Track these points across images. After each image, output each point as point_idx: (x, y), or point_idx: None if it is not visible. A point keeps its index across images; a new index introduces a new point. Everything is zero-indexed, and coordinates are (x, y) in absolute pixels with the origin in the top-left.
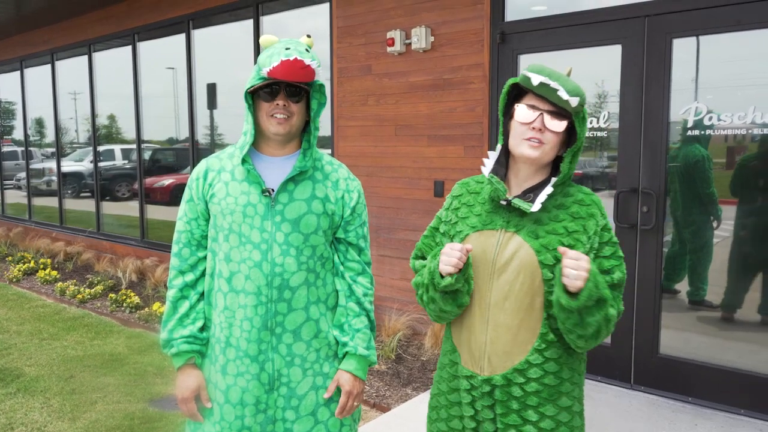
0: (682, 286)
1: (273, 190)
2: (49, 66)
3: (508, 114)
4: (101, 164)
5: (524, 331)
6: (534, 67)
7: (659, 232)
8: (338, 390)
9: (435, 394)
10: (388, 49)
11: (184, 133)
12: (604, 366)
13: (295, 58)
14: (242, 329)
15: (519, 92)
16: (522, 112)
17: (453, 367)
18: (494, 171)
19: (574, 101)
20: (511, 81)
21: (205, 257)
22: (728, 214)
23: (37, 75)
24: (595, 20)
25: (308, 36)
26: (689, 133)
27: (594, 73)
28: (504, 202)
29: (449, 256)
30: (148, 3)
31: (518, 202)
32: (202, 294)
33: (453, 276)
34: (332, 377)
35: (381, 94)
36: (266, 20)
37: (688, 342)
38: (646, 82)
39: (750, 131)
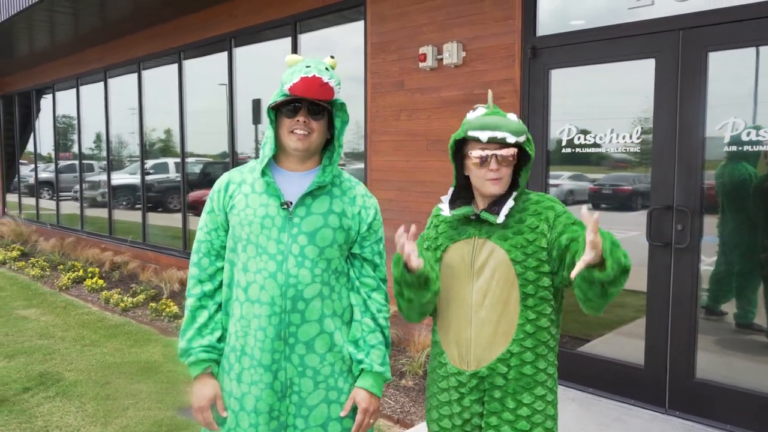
0: (729, 308)
1: (291, 203)
2: (102, 83)
3: (459, 155)
4: (155, 177)
5: (504, 323)
6: (475, 123)
7: (695, 251)
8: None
9: (428, 397)
10: (420, 64)
11: (237, 148)
12: (637, 388)
13: (314, 75)
14: (256, 338)
15: (464, 139)
16: (477, 157)
17: (442, 368)
18: (453, 202)
19: (521, 139)
20: (455, 138)
21: (221, 268)
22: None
23: (92, 91)
24: (628, 34)
25: (332, 57)
26: (726, 149)
27: (626, 87)
28: (473, 217)
29: (399, 246)
30: (192, 22)
31: (485, 216)
32: (220, 304)
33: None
34: (346, 393)
35: (413, 109)
36: (303, 38)
37: (730, 366)
38: (681, 97)
39: None
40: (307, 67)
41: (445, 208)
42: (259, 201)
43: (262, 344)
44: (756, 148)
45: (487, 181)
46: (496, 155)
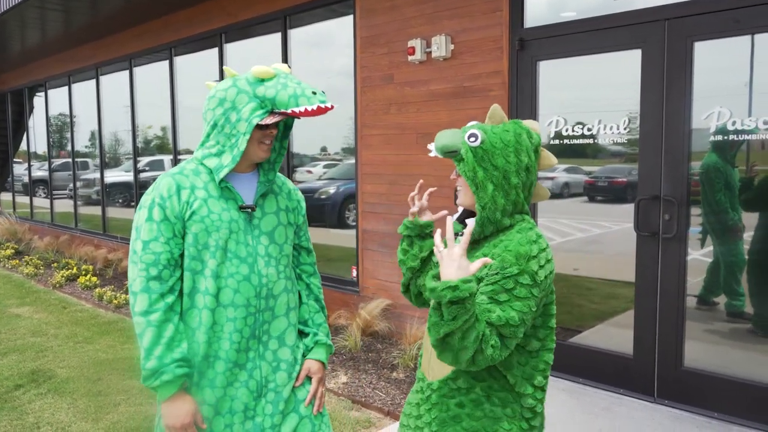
0: (721, 298)
1: (254, 207)
2: (94, 81)
3: None
4: (149, 174)
5: None
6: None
7: (682, 240)
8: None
9: (410, 392)
10: (409, 57)
11: None
12: (626, 378)
13: (331, 106)
14: (231, 341)
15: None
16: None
17: (418, 368)
18: (461, 218)
19: (435, 153)
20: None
21: (179, 278)
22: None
23: (85, 89)
24: (614, 25)
25: (289, 67)
26: (711, 138)
27: (614, 79)
28: (460, 234)
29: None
30: (183, 17)
31: (438, 231)
32: (180, 318)
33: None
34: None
35: (403, 103)
36: (293, 33)
37: (720, 355)
38: (667, 87)
39: None
40: (314, 93)
41: (454, 216)
42: (219, 205)
43: (238, 345)
44: (741, 137)
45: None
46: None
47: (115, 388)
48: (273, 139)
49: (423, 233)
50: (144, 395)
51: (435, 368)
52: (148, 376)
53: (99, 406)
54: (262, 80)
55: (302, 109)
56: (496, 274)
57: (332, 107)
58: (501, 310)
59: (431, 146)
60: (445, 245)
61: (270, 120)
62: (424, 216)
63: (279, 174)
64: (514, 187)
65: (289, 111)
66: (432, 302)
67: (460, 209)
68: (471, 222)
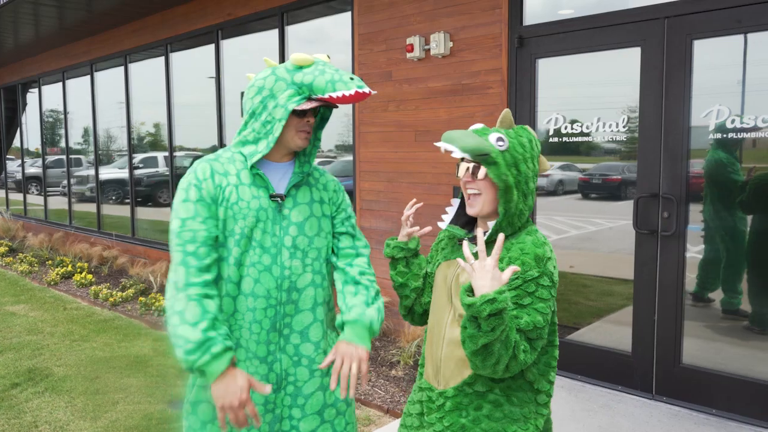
0: (716, 295)
1: (284, 196)
2: (88, 77)
3: None
4: (144, 171)
5: None
6: (444, 136)
7: (681, 238)
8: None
9: (408, 402)
10: (408, 55)
11: (226, 141)
12: (625, 375)
13: (369, 92)
14: (252, 331)
15: None
16: (458, 168)
17: (420, 379)
18: (456, 221)
19: (465, 155)
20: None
21: (216, 260)
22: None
23: (79, 85)
24: (614, 23)
25: (328, 57)
26: (711, 136)
27: (613, 76)
28: (459, 242)
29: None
30: (179, 13)
31: (468, 244)
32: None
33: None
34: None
35: (401, 100)
36: (291, 29)
37: (717, 352)
38: (666, 85)
39: None
40: (351, 79)
41: (446, 219)
42: (249, 193)
43: (258, 336)
44: (740, 135)
45: (467, 199)
46: (468, 166)
47: (113, 386)
48: (311, 128)
49: (416, 251)
50: (143, 394)
51: (446, 375)
52: (193, 350)
53: (97, 405)
54: (301, 67)
55: (339, 94)
56: (517, 278)
57: (370, 93)
58: (527, 314)
59: (450, 147)
60: (475, 257)
61: (306, 106)
62: (406, 231)
63: (317, 166)
64: (532, 192)
65: (326, 96)
66: (466, 315)
67: (450, 212)
68: (484, 228)
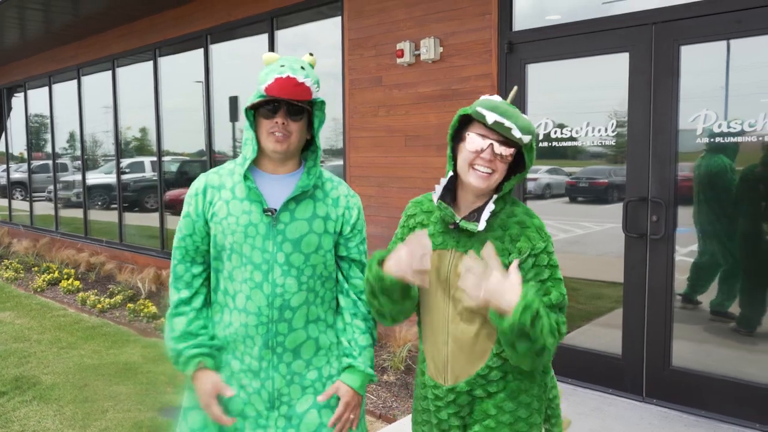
0: (704, 297)
1: (275, 210)
2: (75, 81)
3: (457, 138)
4: (130, 176)
5: (482, 340)
6: (487, 103)
7: (669, 241)
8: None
9: (413, 400)
10: (398, 60)
11: (214, 146)
12: (616, 378)
13: (288, 76)
14: (245, 345)
15: (467, 119)
16: (473, 140)
17: (422, 376)
18: (443, 196)
19: (526, 139)
20: (462, 111)
21: (200, 273)
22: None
23: (66, 90)
24: (602, 28)
25: (311, 54)
26: (699, 140)
27: (602, 81)
28: (452, 226)
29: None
30: (168, 18)
31: (464, 224)
32: (201, 309)
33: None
34: (335, 396)
35: (391, 105)
36: (280, 34)
37: (707, 354)
38: (654, 90)
39: (761, 139)
40: (282, 66)
41: (438, 191)
42: (240, 208)
43: (251, 351)
44: (727, 140)
45: (474, 170)
46: (493, 145)
47: (102, 394)
48: (284, 131)
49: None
50: (132, 401)
51: (456, 371)
52: (172, 359)
53: (86, 413)
54: (266, 67)
55: (271, 81)
56: (529, 256)
57: (298, 81)
58: (553, 288)
59: (507, 122)
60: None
61: (255, 102)
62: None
63: (332, 177)
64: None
65: (263, 88)
66: (511, 336)
67: (439, 189)
68: (490, 248)
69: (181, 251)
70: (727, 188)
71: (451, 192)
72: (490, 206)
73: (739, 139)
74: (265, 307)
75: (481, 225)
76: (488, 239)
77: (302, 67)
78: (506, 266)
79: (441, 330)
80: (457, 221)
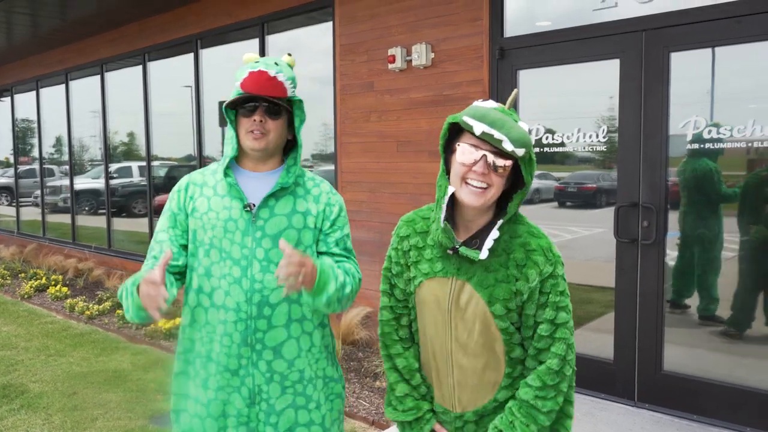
0: (692, 302)
1: (254, 205)
2: (63, 86)
3: (450, 149)
4: (118, 181)
5: (489, 372)
6: (476, 111)
7: (660, 246)
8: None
9: None
10: (390, 65)
11: (204, 150)
12: (607, 382)
13: (260, 70)
14: (222, 344)
15: (459, 127)
16: (464, 151)
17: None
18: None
19: (520, 152)
20: (451, 119)
21: (172, 272)
22: (734, 227)
23: (53, 94)
24: (593, 35)
25: (289, 54)
26: (688, 146)
27: (593, 88)
28: (451, 251)
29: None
30: (158, 23)
31: (465, 251)
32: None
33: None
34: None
35: (383, 111)
36: (271, 39)
37: (697, 359)
38: (645, 96)
39: (750, 144)
40: (256, 62)
41: (443, 211)
42: (221, 204)
43: (228, 350)
44: (716, 146)
45: (468, 187)
46: (486, 156)
47: (91, 402)
48: (262, 128)
49: None
50: (122, 409)
51: (464, 401)
52: (125, 310)
53: (75, 422)
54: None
55: (245, 76)
56: (545, 284)
57: (276, 77)
58: (564, 314)
59: (497, 134)
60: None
61: (232, 99)
62: None
63: (314, 176)
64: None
65: (238, 84)
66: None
67: (443, 210)
68: (467, 228)
69: (160, 246)
70: (715, 192)
71: (448, 207)
72: (494, 234)
73: (728, 145)
74: (244, 303)
75: (483, 254)
76: (491, 265)
77: (276, 63)
78: (512, 294)
79: (444, 361)
80: (457, 246)
